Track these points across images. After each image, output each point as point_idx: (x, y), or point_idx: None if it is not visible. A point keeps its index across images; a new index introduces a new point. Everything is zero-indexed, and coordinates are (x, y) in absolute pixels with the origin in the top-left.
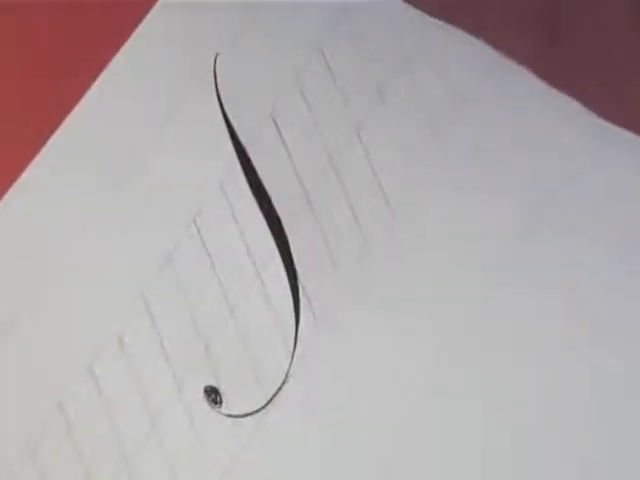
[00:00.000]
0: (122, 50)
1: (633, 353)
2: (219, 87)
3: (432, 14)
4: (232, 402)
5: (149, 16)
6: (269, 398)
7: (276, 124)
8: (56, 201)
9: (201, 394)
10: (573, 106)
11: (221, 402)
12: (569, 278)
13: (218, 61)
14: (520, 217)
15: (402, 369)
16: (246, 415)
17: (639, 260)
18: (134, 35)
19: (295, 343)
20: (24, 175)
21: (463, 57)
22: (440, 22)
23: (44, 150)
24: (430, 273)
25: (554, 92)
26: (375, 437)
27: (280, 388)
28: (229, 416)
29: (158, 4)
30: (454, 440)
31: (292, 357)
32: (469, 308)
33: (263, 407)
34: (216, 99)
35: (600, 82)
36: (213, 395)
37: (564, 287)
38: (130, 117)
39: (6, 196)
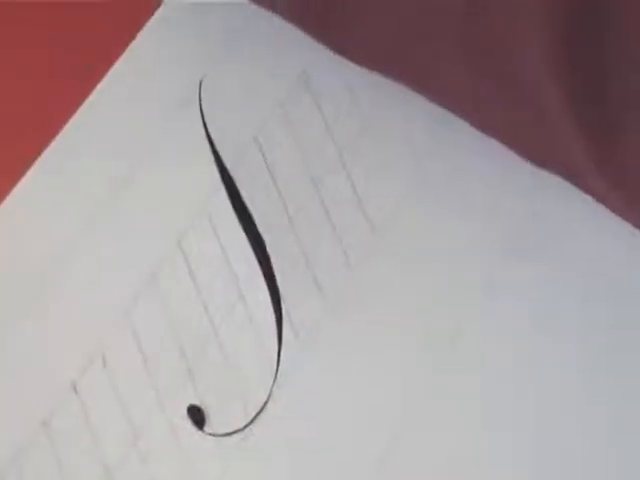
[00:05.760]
0: (107, 76)
1: None
2: (203, 110)
3: (369, 68)
4: (215, 421)
5: (134, 41)
6: (252, 417)
7: (260, 147)
8: (42, 221)
9: (184, 413)
10: None
11: (204, 421)
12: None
13: (203, 85)
14: (499, 238)
15: (385, 387)
16: (229, 434)
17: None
18: (119, 60)
19: (278, 363)
20: (8, 196)
21: None
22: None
23: (29, 174)
24: (412, 292)
25: None
26: (358, 454)
27: (263, 407)
28: (212, 435)
29: (143, 30)
30: (437, 458)
31: (275, 376)
32: (454, 325)
33: (246, 426)
34: (201, 124)
35: (527, 127)
36: (196, 414)
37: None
38: (115, 142)
39: None
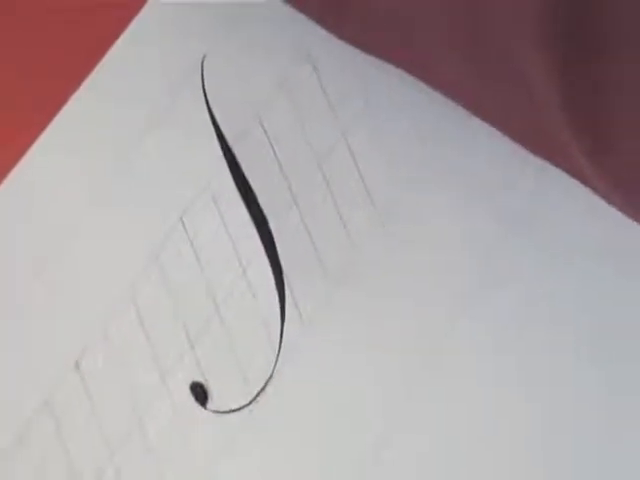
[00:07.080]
0: (110, 51)
1: None
2: (206, 88)
3: (365, 51)
4: (218, 398)
5: (137, 18)
6: (254, 395)
7: (262, 125)
8: (45, 200)
9: (187, 390)
10: None
11: (207, 398)
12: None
13: (205, 62)
14: (500, 221)
15: (387, 367)
16: (232, 411)
17: None
18: (122, 36)
19: (280, 340)
20: (11, 173)
21: None
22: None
23: (32, 149)
24: (415, 271)
25: None
26: (360, 431)
27: (266, 385)
28: (214, 412)
29: (146, 6)
30: (438, 438)
31: (278, 354)
32: (457, 305)
33: (249, 404)
34: (203, 100)
35: (521, 116)
36: (199, 391)
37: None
38: (118, 116)
39: None
